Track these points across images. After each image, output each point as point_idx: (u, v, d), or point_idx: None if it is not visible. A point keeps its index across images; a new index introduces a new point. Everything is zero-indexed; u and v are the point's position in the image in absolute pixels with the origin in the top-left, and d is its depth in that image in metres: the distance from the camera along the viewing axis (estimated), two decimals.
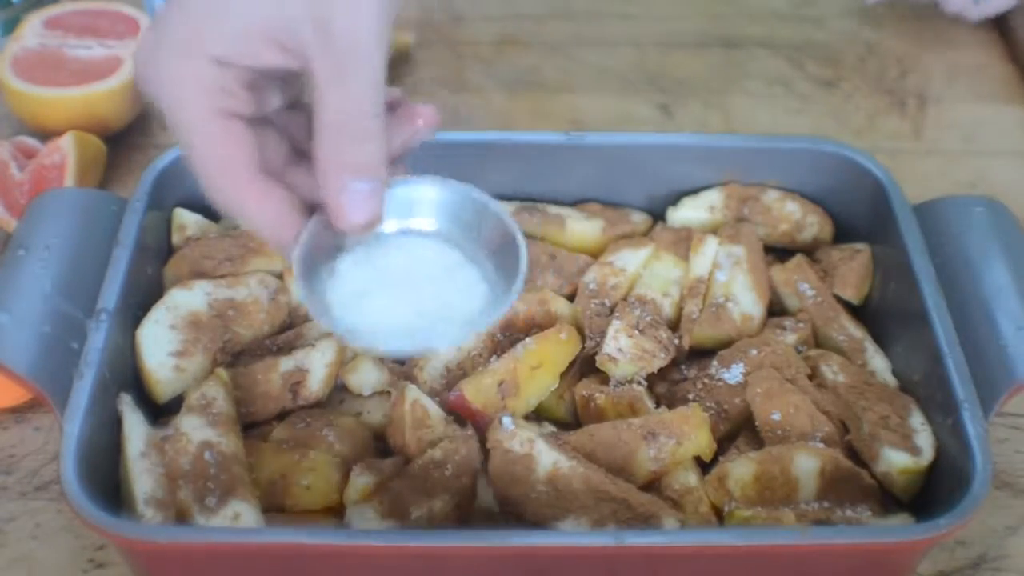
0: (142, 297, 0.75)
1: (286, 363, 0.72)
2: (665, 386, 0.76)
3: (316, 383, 0.73)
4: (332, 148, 0.58)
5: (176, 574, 0.67)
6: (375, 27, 0.57)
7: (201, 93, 0.58)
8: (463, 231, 0.64)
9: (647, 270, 0.80)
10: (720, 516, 0.69)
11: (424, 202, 0.64)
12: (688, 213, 0.84)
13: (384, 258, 0.63)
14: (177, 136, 0.60)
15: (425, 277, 0.63)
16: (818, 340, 0.79)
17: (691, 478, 0.70)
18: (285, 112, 0.64)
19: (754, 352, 0.75)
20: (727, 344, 0.77)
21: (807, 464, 0.69)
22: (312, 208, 0.61)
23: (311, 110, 0.60)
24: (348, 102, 0.58)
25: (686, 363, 0.77)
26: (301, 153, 0.64)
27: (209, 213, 0.82)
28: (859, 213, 0.83)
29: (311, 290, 0.60)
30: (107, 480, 0.67)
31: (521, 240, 0.62)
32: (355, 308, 0.61)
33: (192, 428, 0.68)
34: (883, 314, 0.79)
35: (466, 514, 0.68)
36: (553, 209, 0.84)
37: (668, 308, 0.79)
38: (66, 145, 0.90)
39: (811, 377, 0.75)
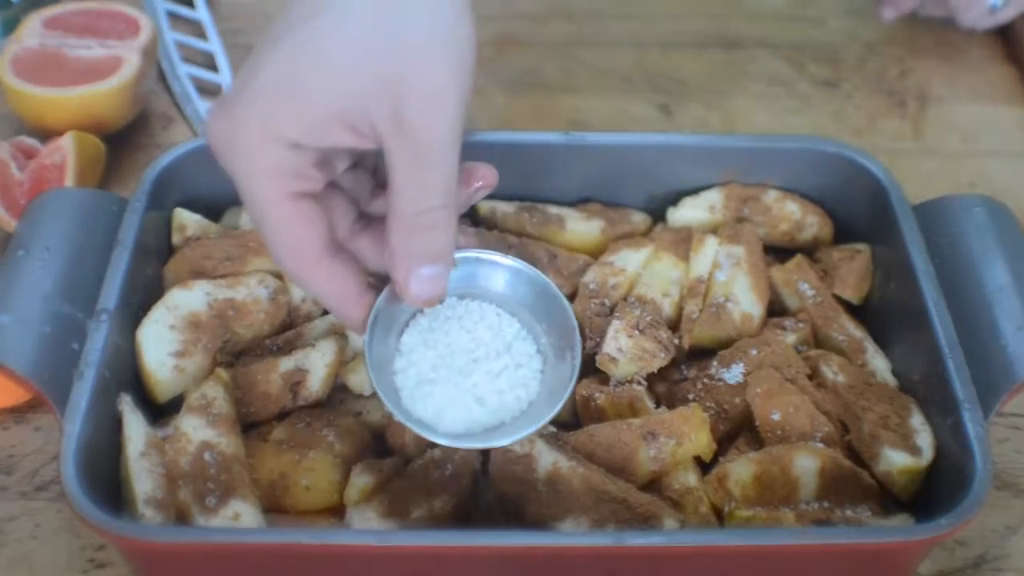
0: (142, 297, 0.75)
1: (286, 363, 0.72)
2: (665, 386, 0.76)
3: (316, 383, 0.73)
4: (403, 236, 0.61)
5: (176, 574, 0.67)
6: (451, 122, 0.58)
7: (275, 176, 0.60)
8: (522, 302, 0.69)
9: (647, 270, 0.80)
10: (720, 516, 0.69)
11: (486, 271, 0.69)
12: (688, 213, 0.84)
13: (446, 335, 0.67)
14: (249, 212, 0.62)
15: (484, 353, 0.67)
16: (818, 340, 0.79)
17: (691, 478, 0.70)
18: (351, 173, 0.66)
19: (754, 352, 0.75)
20: (727, 344, 0.77)
21: (807, 464, 0.69)
22: (373, 275, 0.66)
23: (374, 166, 0.65)
24: (421, 194, 0.60)
25: (686, 363, 0.77)
26: (367, 218, 0.66)
27: (209, 213, 0.82)
28: (859, 213, 0.83)
29: (380, 376, 0.65)
30: (107, 480, 0.67)
31: (575, 324, 0.67)
32: (421, 396, 0.65)
33: (192, 428, 0.68)
34: (883, 314, 0.79)
35: (466, 514, 0.68)
36: (553, 209, 0.84)
37: (668, 308, 0.79)
38: (66, 145, 0.90)
39: (811, 377, 0.75)
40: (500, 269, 0.69)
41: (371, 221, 0.66)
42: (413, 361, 0.66)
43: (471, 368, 0.66)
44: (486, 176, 0.66)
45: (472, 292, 0.69)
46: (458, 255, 0.66)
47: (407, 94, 0.57)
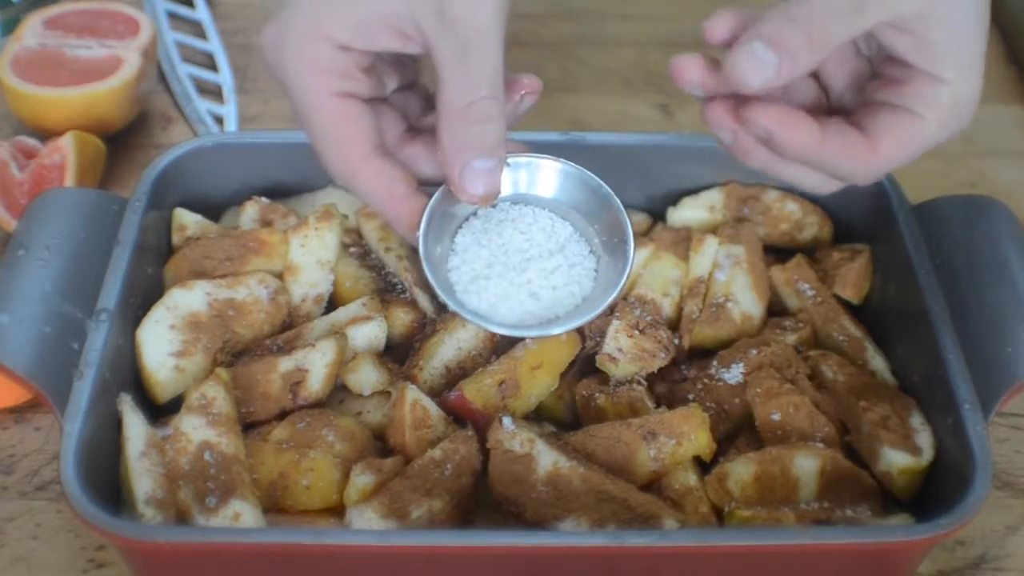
0: (142, 297, 0.75)
1: (286, 363, 0.72)
2: (665, 386, 0.76)
3: (316, 383, 0.73)
4: (454, 129, 0.62)
5: (176, 574, 0.67)
6: (493, 14, 0.61)
7: (323, 75, 0.63)
8: (574, 205, 0.69)
9: (647, 270, 0.80)
10: (720, 516, 0.69)
11: (539, 175, 0.69)
12: (688, 213, 0.84)
13: (500, 236, 0.68)
14: (297, 115, 0.64)
15: (537, 253, 0.67)
16: (818, 340, 0.79)
17: (691, 478, 0.70)
18: (401, 93, 0.68)
19: (754, 352, 0.75)
20: (727, 344, 0.77)
21: (807, 464, 0.69)
22: (424, 183, 0.66)
23: (426, 91, 0.67)
24: (470, 87, 0.61)
25: (686, 363, 0.77)
26: (417, 130, 0.68)
27: (209, 213, 0.82)
28: (859, 213, 0.83)
29: (436, 271, 0.65)
30: (107, 480, 0.67)
31: (627, 220, 0.67)
32: (475, 291, 0.66)
33: (192, 428, 0.68)
34: (883, 314, 0.79)
35: (466, 514, 0.68)
36: None
37: (668, 308, 0.79)
38: (66, 145, 0.90)
39: (811, 377, 0.75)
40: (552, 172, 0.69)
41: (422, 132, 0.68)
42: (467, 259, 0.67)
43: (525, 266, 0.67)
44: (530, 85, 0.67)
45: (525, 198, 0.69)
46: (510, 159, 0.67)
47: None
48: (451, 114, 0.62)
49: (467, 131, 0.62)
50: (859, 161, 0.62)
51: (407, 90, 0.69)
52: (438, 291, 0.65)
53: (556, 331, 0.66)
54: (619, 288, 0.66)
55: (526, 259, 0.67)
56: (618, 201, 0.68)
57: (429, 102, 0.69)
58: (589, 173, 0.69)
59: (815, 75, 0.66)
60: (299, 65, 0.63)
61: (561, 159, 0.69)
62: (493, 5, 0.61)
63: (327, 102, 0.63)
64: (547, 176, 0.69)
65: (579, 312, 0.67)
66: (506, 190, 0.67)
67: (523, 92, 0.67)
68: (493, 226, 0.68)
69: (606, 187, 0.69)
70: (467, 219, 0.69)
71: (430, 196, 0.66)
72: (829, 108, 0.66)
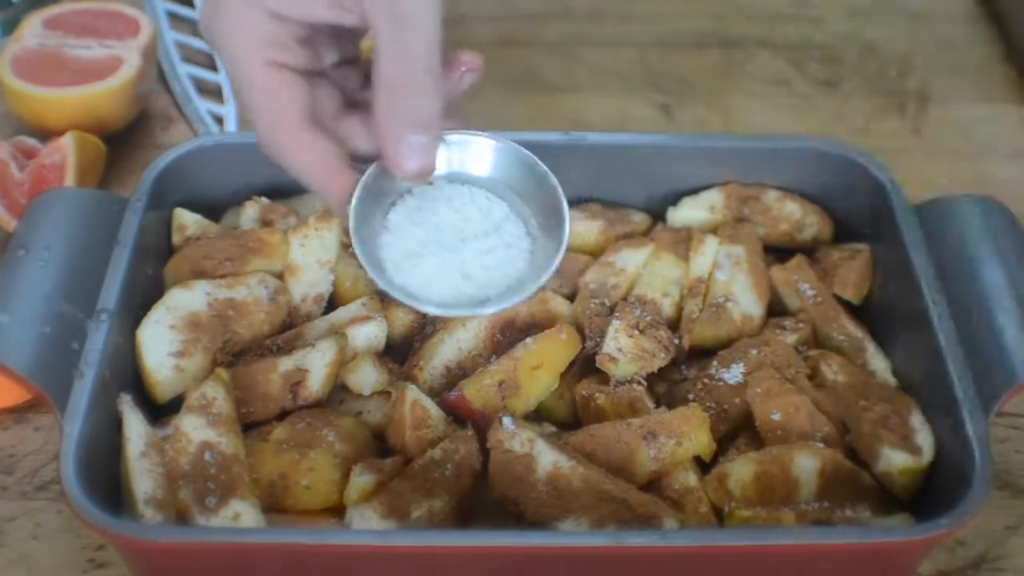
0: (142, 297, 0.75)
1: (286, 363, 0.72)
2: (665, 386, 0.76)
3: (316, 383, 0.73)
4: (390, 103, 0.61)
5: (176, 574, 0.67)
6: None
7: (256, 44, 0.62)
8: (509, 185, 0.68)
9: (647, 270, 0.80)
10: (720, 516, 0.69)
11: (475, 153, 0.68)
12: (688, 213, 0.84)
13: (434, 214, 0.66)
14: (233, 86, 0.64)
15: (472, 233, 0.66)
16: (818, 340, 0.79)
17: (691, 478, 0.70)
18: (340, 69, 0.67)
19: (754, 352, 0.75)
20: (727, 344, 0.77)
21: (807, 464, 0.69)
22: (359, 158, 0.65)
23: (364, 68, 0.65)
24: (406, 59, 0.61)
25: (686, 363, 0.77)
26: (354, 104, 0.67)
27: (209, 213, 0.82)
28: (859, 213, 0.83)
29: (365, 248, 0.64)
30: (107, 480, 0.67)
31: (563, 199, 0.66)
32: (407, 268, 0.65)
33: (192, 428, 0.68)
34: (883, 314, 0.79)
35: (466, 514, 0.68)
36: None
37: (668, 308, 0.79)
38: (66, 145, 0.90)
39: (811, 377, 0.75)
40: (489, 150, 0.68)
41: (359, 107, 0.67)
42: (399, 237, 0.66)
43: (459, 245, 0.66)
44: (471, 61, 0.66)
45: (461, 176, 0.68)
46: (447, 137, 0.66)
47: None
48: (387, 87, 0.61)
49: (403, 104, 0.61)
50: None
51: (346, 65, 0.68)
52: (367, 268, 0.64)
53: (487, 311, 0.65)
54: (552, 269, 0.65)
55: (460, 239, 0.66)
56: (555, 180, 0.67)
57: (368, 78, 0.67)
58: (526, 151, 0.67)
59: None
60: (232, 33, 0.62)
61: (498, 136, 0.68)
62: None
63: (259, 71, 0.62)
64: (484, 154, 0.68)
65: (511, 292, 0.65)
66: (442, 168, 0.66)
67: (463, 69, 0.66)
68: (428, 204, 0.67)
69: (543, 165, 0.67)
70: (401, 196, 0.67)
71: (364, 172, 0.64)
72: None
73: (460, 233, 0.66)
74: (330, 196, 0.65)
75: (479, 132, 0.67)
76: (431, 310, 0.64)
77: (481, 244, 0.66)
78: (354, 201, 0.63)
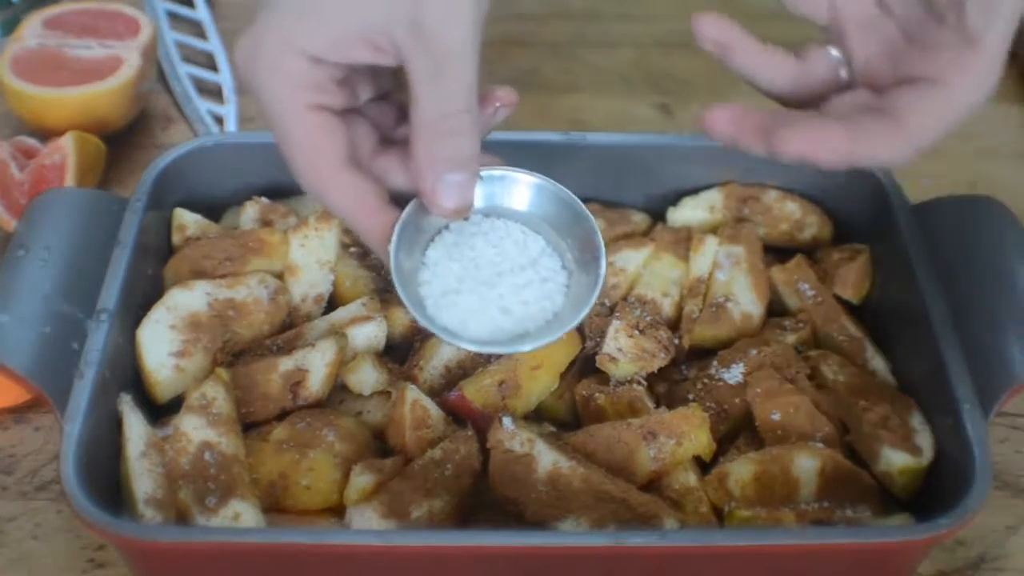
0: (142, 297, 0.75)
1: (286, 363, 0.72)
2: (665, 386, 0.76)
3: (316, 383, 0.73)
4: (428, 143, 0.62)
5: (176, 574, 0.67)
6: (468, 28, 0.61)
7: (295, 88, 0.62)
8: (547, 219, 0.69)
9: (647, 270, 0.80)
10: (720, 516, 0.69)
11: (510, 188, 0.68)
12: (688, 213, 0.84)
13: (471, 250, 0.67)
14: (271, 128, 0.64)
15: (509, 267, 0.67)
16: (818, 340, 0.79)
17: (691, 478, 0.70)
18: (375, 104, 0.67)
19: (754, 352, 0.75)
20: (727, 344, 0.77)
21: (807, 464, 0.69)
22: (396, 194, 0.65)
23: (400, 102, 0.66)
24: (443, 100, 0.61)
25: (686, 363, 0.77)
26: (390, 141, 0.67)
27: (209, 213, 0.82)
28: (859, 213, 0.83)
29: (407, 288, 0.65)
30: (107, 480, 0.67)
31: (598, 233, 0.67)
32: (446, 306, 0.65)
33: (192, 428, 0.68)
34: (883, 314, 0.79)
35: (466, 514, 0.68)
36: None
37: (668, 308, 0.79)
38: (66, 145, 0.90)
39: (811, 377, 0.75)
40: (525, 186, 0.68)
41: (395, 143, 0.67)
42: (438, 273, 0.67)
43: (496, 280, 0.66)
44: (504, 97, 0.67)
45: (497, 211, 0.69)
46: (483, 172, 0.66)
47: (425, 4, 0.60)
48: (424, 127, 0.61)
49: (440, 144, 0.61)
50: (889, 149, 0.61)
51: (381, 100, 0.68)
52: (408, 306, 0.64)
53: (526, 348, 0.66)
54: (590, 305, 0.66)
55: (497, 273, 0.67)
56: (591, 217, 0.68)
57: (404, 112, 0.68)
58: (563, 188, 0.68)
59: (836, 45, 0.65)
60: (271, 77, 0.62)
61: (535, 173, 0.68)
62: (468, 20, 0.61)
63: (299, 115, 0.63)
64: (520, 190, 0.68)
65: (550, 328, 0.66)
66: (479, 203, 0.67)
67: (497, 104, 0.67)
68: (465, 239, 0.67)
69: (580, 203, 0.68)
70: (439, 232, 0.68)
71: (402, 209, 0.65)
72: (852, 79, 0.66)
73: (496, 267, 0.67)
74: (371, 236, 0.65)
75: (516, 169, 0.68)
76: (472, 347, 0.65)
77: (518, 279, 0.67)
78: (394, 239, 0.64)
